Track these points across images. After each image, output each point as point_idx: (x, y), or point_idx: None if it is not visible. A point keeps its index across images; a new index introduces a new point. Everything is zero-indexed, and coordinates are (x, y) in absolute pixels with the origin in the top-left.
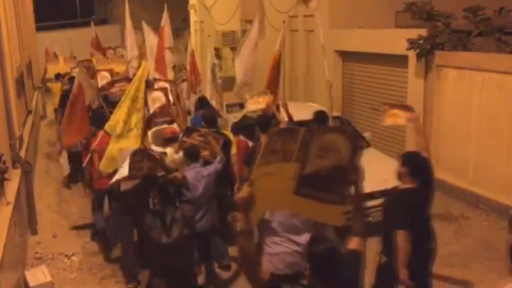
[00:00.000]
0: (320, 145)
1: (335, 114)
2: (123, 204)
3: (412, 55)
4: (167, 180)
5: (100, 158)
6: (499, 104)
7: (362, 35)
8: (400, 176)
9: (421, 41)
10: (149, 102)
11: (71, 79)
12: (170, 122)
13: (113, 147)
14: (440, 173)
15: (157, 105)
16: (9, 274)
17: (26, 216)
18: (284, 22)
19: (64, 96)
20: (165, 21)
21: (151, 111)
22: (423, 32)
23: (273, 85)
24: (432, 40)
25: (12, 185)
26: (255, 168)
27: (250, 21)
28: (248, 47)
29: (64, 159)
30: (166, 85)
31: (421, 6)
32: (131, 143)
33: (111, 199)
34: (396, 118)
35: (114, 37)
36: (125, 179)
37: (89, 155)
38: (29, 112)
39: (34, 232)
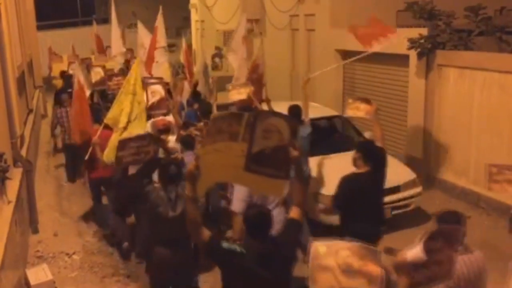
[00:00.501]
0: (263, 127)
1: (335, 113)
2: (126, 188)
3: (413, 54)
4: (169, 160)
5: (102, 150)
6: (500, 104)
7: None
8: (354, 161)
9: (422, 40)
10: (149, 95)
11: (66, 77)
12: (166, 114)
13: (116, 138)
14: (440, 172)
15: (157, 97)
16: (10, 272)
17: (27, 215)
18: (261, 33)
19: (58, 93)
20: (159, 21)
21: (149, 103)
22: (424, 31)
23: (256, 85)
24: (433, 39)
25: (13, 184)
26: (202, 146)
27: (251, 21)
28: (238, 44)
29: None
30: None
31: (422, 5)
32: (136, 132)
33: (108, 188)
34: (357, 111)
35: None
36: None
37: (90, 148)
38: (30, 111)
39: (35, 230)
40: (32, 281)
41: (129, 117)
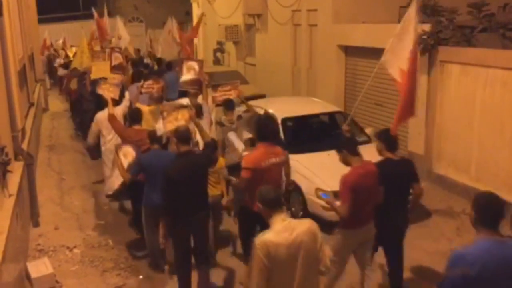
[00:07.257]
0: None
1: (336, 109)
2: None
3: None
4: None
5: (69, 80)
6: (502, 101)
7: (365, 30)
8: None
9: (424, 37)
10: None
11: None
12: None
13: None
14: (442, 169)
15: (116, 62)
16: (11, 266)
17: (28, 208)
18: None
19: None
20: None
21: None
22: (427, 27)
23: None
24: (436, 36)
25: (15, 177)
26: None
27: (253, 15)
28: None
29: None
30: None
31: (425, 1)
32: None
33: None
34: (175, 121)
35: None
36: None
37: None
38: (31, 104)
39: (36, 224)
40: (33, 274)
41: (84, 63)
